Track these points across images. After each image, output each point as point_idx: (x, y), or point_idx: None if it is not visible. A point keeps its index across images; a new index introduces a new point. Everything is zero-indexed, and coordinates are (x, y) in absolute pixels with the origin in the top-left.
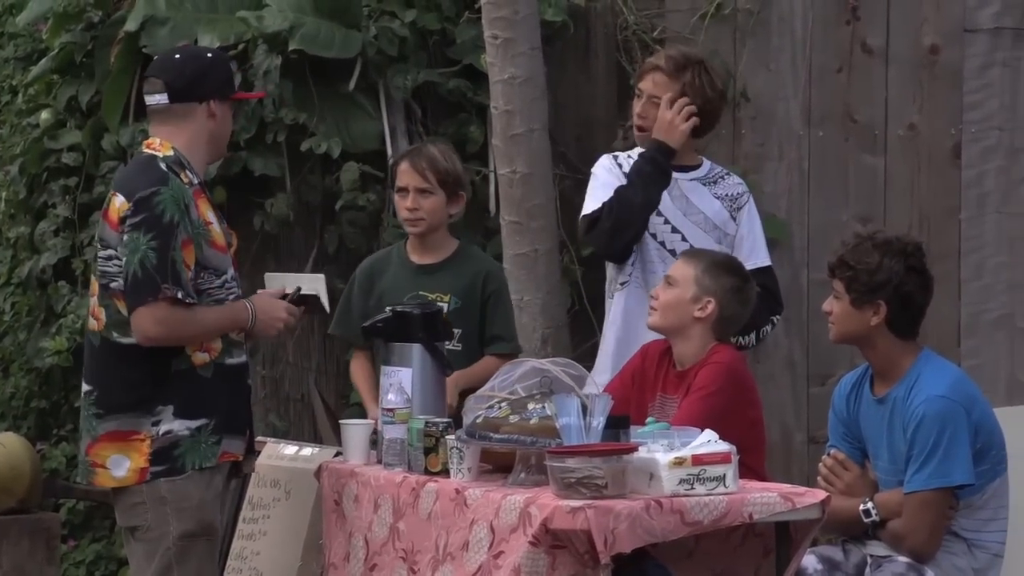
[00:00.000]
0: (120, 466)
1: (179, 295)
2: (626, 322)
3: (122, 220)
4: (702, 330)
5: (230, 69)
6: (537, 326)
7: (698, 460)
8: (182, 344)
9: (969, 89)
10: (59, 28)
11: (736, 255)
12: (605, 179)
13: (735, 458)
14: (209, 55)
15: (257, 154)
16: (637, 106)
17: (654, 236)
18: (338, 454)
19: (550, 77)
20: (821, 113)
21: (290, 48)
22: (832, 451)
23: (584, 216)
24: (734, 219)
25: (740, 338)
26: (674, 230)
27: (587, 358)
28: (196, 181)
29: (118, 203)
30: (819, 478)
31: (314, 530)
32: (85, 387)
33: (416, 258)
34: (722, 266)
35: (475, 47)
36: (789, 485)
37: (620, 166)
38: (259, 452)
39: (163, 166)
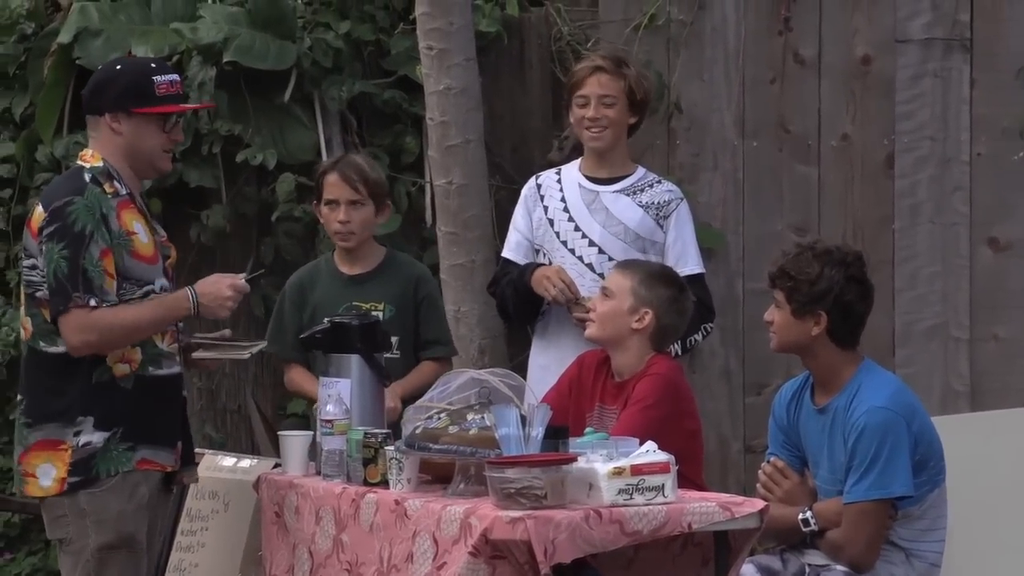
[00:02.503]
0: (47, 475)
1: (91, 302)
2: (548, 347)
3: (40, 230)
4: (639, 341)
5: (140, 82)
6: (474, 336)
7: (637, 470)
8: (117, 348)
9: (901, 99)
10: None
11: (664, 263)
12: (516, 220)
13: (674, 468)
14: (119, 67)
15: (192, 166)
16: (588, 111)
17: (572, 251)
18: (276, 465)
19: (485, 88)
20: (755, 123)
21: (224, 60)
22: (772, 459)
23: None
24: (661, 227)
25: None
26: (591, 244)
27: (524, 368)
28: (124, 192)
29: (37, 213)
30: (758, 485)
31: (253, 542)
32: (19, 396)
33: (346, 269)
34: (658, 277)
35: (410, 58)
36: (728, 494)
37: (540, 187)
38: (198, 464)
39: (87, 177)
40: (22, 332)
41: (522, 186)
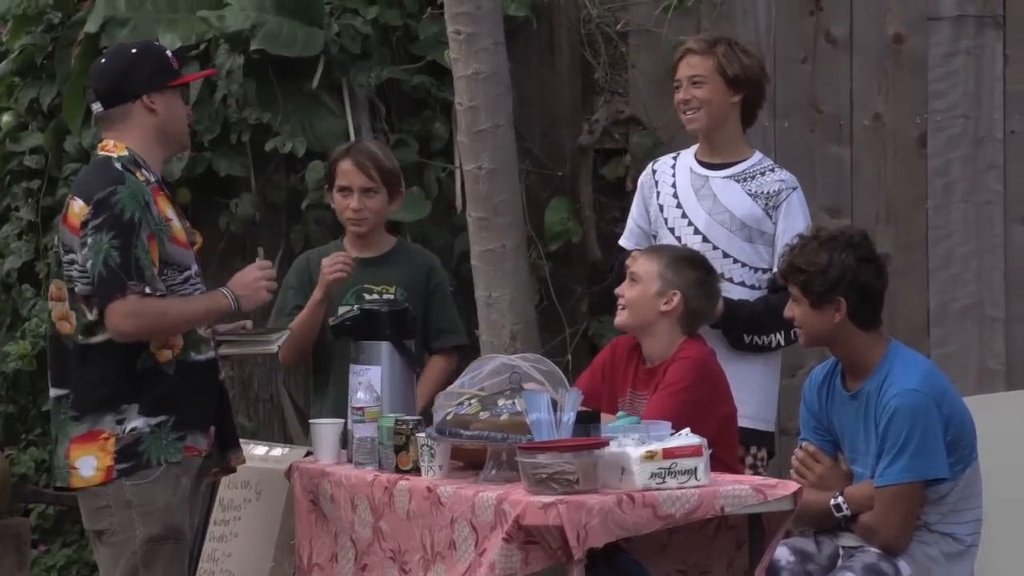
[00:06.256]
0: (88, 466)
1: (146, 291)
2: None
3: (83, 224)
4: (669, 325)
5: (161, 58)
6: (506, 322)
7: (669, 454)
8: (158, 337)
9: (934, 78)
10: (19, 30)
11: (774, 254)
12: (632, 208)
13: (706, 451)
14: (134, 50)
15: (221, 154)
16: (680, 94)
17: (679, 239)
18: (308, 454)
19: (514, 72)
20: (786, 104)
21: (252, 47)
22: (804, 444)
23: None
24: (770, 217)
25: (756, 338)
26: (696, 231)
27: (556, 354)
28: (153, 179)
29: (77, 207)
30: (791, 471)
31: (285, 530)
32: (57, 392)
33: (357, 252)
34: (685, 260)
35: (438, 43)
36: (761, 477)
37: (655, 173)
38: None
39: (118, 166)
40: (66, 326)
41: (552, 170)
